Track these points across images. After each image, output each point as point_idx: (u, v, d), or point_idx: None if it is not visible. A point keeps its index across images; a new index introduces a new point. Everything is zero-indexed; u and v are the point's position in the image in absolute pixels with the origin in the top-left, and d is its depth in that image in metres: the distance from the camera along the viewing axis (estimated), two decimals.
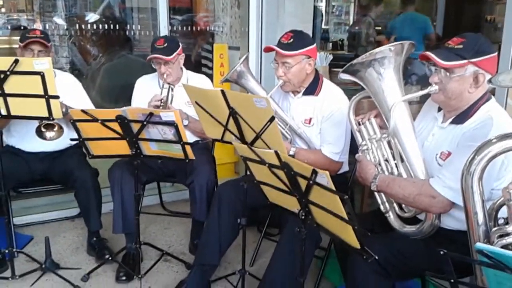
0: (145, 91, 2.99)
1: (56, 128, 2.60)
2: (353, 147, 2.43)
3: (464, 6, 6.49)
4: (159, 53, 2.80)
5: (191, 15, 5.48)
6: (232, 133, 2.22)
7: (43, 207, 3.44)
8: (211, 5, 4.96)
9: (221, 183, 2.54)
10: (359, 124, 1.98)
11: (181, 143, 2.31)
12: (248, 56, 2.43)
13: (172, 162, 2.61)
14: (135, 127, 2.31)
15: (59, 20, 6.50)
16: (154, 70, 2.98)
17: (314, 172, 1.42)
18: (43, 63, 2.23)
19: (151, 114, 2.23)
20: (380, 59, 1.79)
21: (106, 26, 4.98)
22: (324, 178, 1.39)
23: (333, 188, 1.39)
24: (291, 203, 1.70)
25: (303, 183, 1.53)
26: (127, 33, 5.00)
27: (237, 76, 2.38)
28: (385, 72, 1.79)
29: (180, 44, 2.96)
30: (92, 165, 2.87)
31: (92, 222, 2.77)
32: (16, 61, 2.20)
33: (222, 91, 2.07)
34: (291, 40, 2.31)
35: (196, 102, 2.24)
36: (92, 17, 5.79)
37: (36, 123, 2.62)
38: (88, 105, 2.91)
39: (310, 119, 2.42)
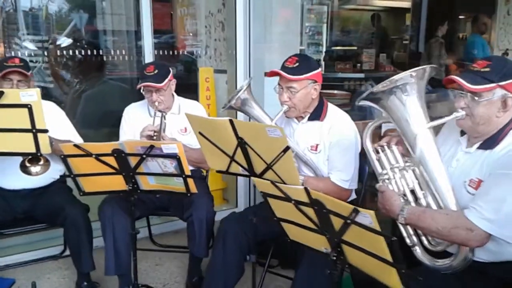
0: (135, 120, 2.83)
1: (42, 162, 2.39)
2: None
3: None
4: (150, 81, 2.65)
5: (170, 37, 5.34)
6: (240, 164, 2.09)
7: (23, 246, 3.17)
8: (192, 27, 4.85)
9: (225, 218, 2.38)
10: (378, 152, 1.88)
11: (183, 176, 2.15)
12: (250, 82, 2.31)
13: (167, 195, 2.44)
14: (133, 161, 2.15)
15: (29, 45, 6.22)
16: (139, 95, 2.82)
17: (355, 211, 1.29)
18: (30, 95, 2.05)
19: (151, 146, 2.07)
20: (401, 85, 1.70)
21: (81, 51, 4.79)
22: (367, 217, 1.27)
23: (378, 228, 1.27)
24: (318, 242, 1.57)
25: (337, 222, 1.41)
26: (103, 57, 4.79)
27: (241, 104, 2.25)
28: (408, 99, 1.70)
29: (171, 70, 2.81)
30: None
31: (84, 263, 2.54)
32: (1, 93, 2.01)
33: (231, 121, 1.94)
34: (296, 64, 2.21)
35: (200, 133, 2.09)
36: (64, 41, 5.56)
37: (18, 158, 2.41)
38: (74, 135, 2.72)
39: (317, 145, 2.31)
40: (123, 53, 4.86)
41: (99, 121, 3.97)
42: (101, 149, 2.12)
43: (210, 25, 4.39)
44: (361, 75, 6.67)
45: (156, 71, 2.68)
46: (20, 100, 2.04)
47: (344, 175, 2.26)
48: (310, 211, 1.48)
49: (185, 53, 4.88)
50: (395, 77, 1.72)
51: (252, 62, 3.82)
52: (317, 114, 2.32)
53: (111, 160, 2.14)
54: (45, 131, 2.13)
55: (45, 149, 2.17)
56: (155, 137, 2.59)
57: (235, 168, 2.13)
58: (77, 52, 4.77)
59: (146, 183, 2.26)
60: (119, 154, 2.12)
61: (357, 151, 2.28)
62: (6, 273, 2.94)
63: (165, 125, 2.71)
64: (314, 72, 2.25)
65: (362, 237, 1.35)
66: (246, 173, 2.10)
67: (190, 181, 2.18)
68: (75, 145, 2.09)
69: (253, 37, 3.78)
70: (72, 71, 4.96)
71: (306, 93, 2.25)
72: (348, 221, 1.34)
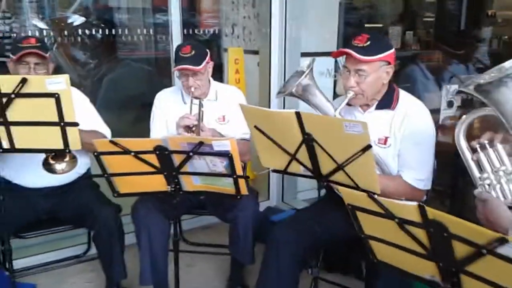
0: (168, 108, 2.52)
1: (67, 158, 2.08)
2: None
3: None
4: (187, 63, 2.33)
5: (191, 15, 4.98)
6: (302, 164, 1.78)
7: (43, 246, 2.89)
8: (216, 5, 4.49)
9: (278, 224, 2.08)
10: (475, 151, 1.57)
11: (235, 176, 1.86)
12: (312, 65, 1.98)
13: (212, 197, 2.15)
14: (177, 159, 1.85)
15: (40, 24, 5.86)
16: (164, 78, 2.50)
17: (500, 241, 0.99)
18: (58, 82, 1.74)
19: (201, 143, 1.77)
20: None
21: (97, 30, 4.45)
22: None
23: None
24: (422, 268, 1.28)
25: (462, 249, 1.11)
26: (121, 37, 4.44)
27: (302, 90, 1.93)
28: None
29: (208, 51, 2.49)
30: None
31: (116, 271, 2.26)
32: (24, 81, 1.71)
33: (298, 114, 1.62)
34: (368, 42, 1.88)
35: (256, 127, 1.78)
36: (77, 19, 5.19)
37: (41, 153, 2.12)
38: (101, 126, 2.42)
39: (386, 138, 1.99)
40: (140, 32, 4.52)
41: (122, 107, 3.66)
42: (141, 145, 1.82)
43: (237, 1, 4.04)
44: None
45: (193, 52, 2.35)
46: (46, 88, 1.73)
47: (419, 174, 1.95)
48: (420, 233, 1.19)
49: (208, 32, 4.52)
50: (505, 64, 1.40)
51: (287, 42, 3.48)
52: (387, 102, 2.00)
53: (152, 158, 1.85)
54: (75, 124, 1.83)
55: (75, 145, 1.87)
56: (194, 128, 2.29)
57: (295, 168, 1.82)
58: (93, 31, 4.41)
59: (190, 184, 1.96)
60: (161, 152, 1.82)
61: (433, 145, 1.97)
62: (26, 277, 2.68)
63: (203, 113, 2.41)
64: (388, 52, 1.92)
65: (498, 269, 1.06)
66: (309, 173, 1.80)
67: (242, 182, 1.89)
68: (112, 141, 1.79)
69: (289, 13, 3.44)
70: (87, 52, 4.63)
71: (377, 77, 1.92)
72: (484, 251, 1.04)
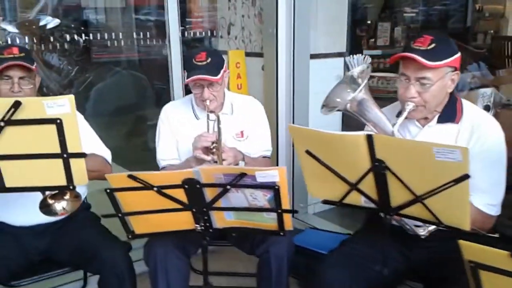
0: (177, 125, 2.17)
1: (68, 196, 1.70)
2: None
3: None
4: (203, 72, 1.97)
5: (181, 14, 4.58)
6: (365, 195, 1.47)
7: None
8: (209, 3, 4.12)
9: (325, 263, 1.75)
10: None
11: (279, 211, 1.53)
12: (368, 73, 1.65)
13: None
14: (210, 193, 1.51)
15: (9, 27, 5.34)
16: (161, 88, 2.15)
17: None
18: (60, 105, 1.37)
19: (242, 175, 1.43)
20: None
21: (76, 33, 4.01)
22: None
23: None
24: None
25: None
26: (104, 40, 4.00)
27: (357, 106, 1.61)
28: None
29: (224, 58, 2.15)
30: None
31: None
32: (17, 105, 1.33)
33: (369, 137, 1.31)
34: (432, 45, 1.57)
35: (308, 152, 1.46)
36: (50, 21, 4.71)
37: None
38: (100, 148, 2.05)
39: None
40: (125, 34, 4.08)
41: (113, 120, 3.25)
42: (167, 179, 1.48)
43: None
44: (378, 52, 6.08)
45: (208, 59, 2.01)
46: (45, 112, 1.36)
47: (492, 198, 1.66)
48: None
49: (200, 33, 4.14)
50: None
51: (296, 43, 3.16)
52: (451, 114, 1.70)
53: (179, 193, 1.50)
54: (82, 155, 1.46)
55: (81, 179, 1.51)
56: (213, 149, 1.95)
57: (354, 199, 1.51)
58: (71, 34, 3.97)
59: (222, 220, 1.62)
60: (192, 186, 1.48)
61: (506, 163, 1.69)
62: None
63: (220, 130, 2.06)
64: (455, 56, 1.62)
65: None
66: (372, 205, 1.49)
67: (287, 217, 1.56)
68: (131, 176, 1.43)
69: (298, 11, 3.11)
70: (65, 58, 4.17)
71: (442, 86, 1.62)
72: None
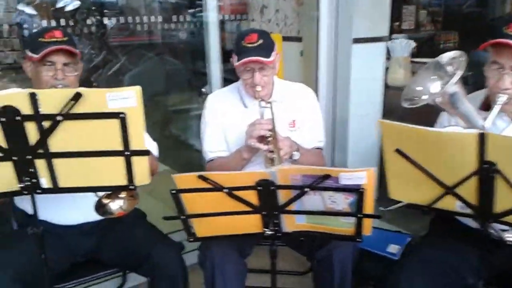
0: (225, 114, 2.02)
1: (124, 194, 1.55)
2: None
3: None
4: (254, 54, 1.82)
5: None
6: (462, 200, 1.31)
7: None
8: None
9: (402, 268, 1.60)
10: None
11: (359, 215, 1.38)
12: (463, 63, 1.47)
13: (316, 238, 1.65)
14: (283, 195, 1.36)
15: (27, 9, 5.14)
16: (198, 76, 2.00)
17: None
18: (125, 97, 1.21)
19: (326, 176, 1.28)
20: None
21: (93, 15, 3.79)
22: None
23: None
24: None
25: None
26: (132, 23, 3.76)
27: (449, 100, 1.43)
28: None
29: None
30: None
31: None
32: (77, 97, 1.17)
33: (482, 136, 1.14)
34: None
35: (398, 150, 1.30)
36: (70, 3, 4.48)
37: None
38: (148, 141, 1.89)
39: None
40: (155, 18, 3.84)
41: (149, 109, 3.07)
42: (239, 180, 1.33)
43: None
44: (403, 36, 5.84)
45: (260, 41, 1.85)
46: (107, 106, 1.20)
47: None
48: None
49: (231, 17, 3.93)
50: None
51: (340, 26, 2.98)
52: None
53: (250, 195, 1.35)
54: (146, 152, 1.31)
55: (142, 178, 1.35)
56: (269, 138, 1.80)
57: (447, 203, 1.35)
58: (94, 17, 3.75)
59: (292, 223, 1.48)
60: (265, 187, 1.32)
61: None
62: None
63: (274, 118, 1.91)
64: None
65: None
66: (469, 211, 1.33)
67: (368, 223, 1.41)
68: (201, 177, 1.28)
69: None
70: (90, 41, 3.97)
71: None
72: None
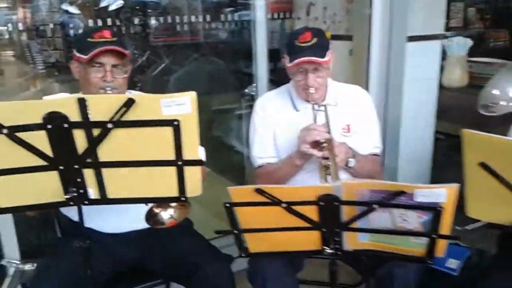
0: (275, 118, 1.91)
1: (175, 203, 1.46)
2: None
3: None
4: (309, 54, 1.71)
5: None
6: None
7: None
8: None
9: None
10: None
11: (434, 236, 1.23)
12: None
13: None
14: (347, 211, 1.23)
15: (71, 8, 5.16)
16: (243, 78, 1.92)
17: None
18: (180, 103, 1.11)
19: (400, 192, 1.14)
20: None
21: (137, 15, 3.72)
22: None
23: None
24: None
25: None
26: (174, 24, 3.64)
27: None
28: None
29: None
30: None
31: None
32: (129, 103, 1.08)
33: None
34: None
35: (483, 164, 1.14)
36: (113, 2, 4.44)
37: None
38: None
39: None
40: (197, 18, 3.72)
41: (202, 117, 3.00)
42: (299, 193, 1.21)
43: None
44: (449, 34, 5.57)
45: (314, 39, 1.74)
46: (161, 112, 1.11)
47: None
48: None
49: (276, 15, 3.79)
50: None
51: (394, 24, 2.80)
52: None
53: (310, 210, 1.23)
54: (199, 162, 1.21)
55: (194, 189, 1.26)
56: (324, 143, 1.67)
57: None
58: (143, 18, 3.67)
59: (353, 241, 1.34)
60: (328, 203, 1.20)
61: None
62: None
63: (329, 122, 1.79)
64: None
65: None
66: None
67: (442, 244, 1.26)
68: (259, 190, 1.17)
69: None
70: (134, 42, 3.90)
71: None
72: None
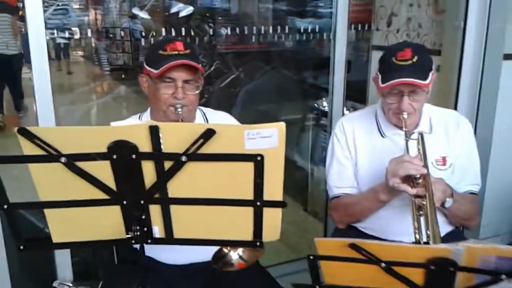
0: (358, 144, 1.68)
1: None
2: None
3: None
4: (408, 75, 1.47)
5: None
6: None
7: None
8: None
9: None
10: None
11: None
12: None
13: None
14: (464, 279, 0.99)
15: (141, 13, 5.15)
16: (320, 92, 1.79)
17: None
18: (265, 136, 0.92)
19: None
20: None
21: (207, 22, 3.59)
22: None
23: None
24: None
25: None
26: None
27: None
28: None
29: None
30: None
31: None
32: (209, 134, 0.90)
33: None
34: None
35: None
36: (184, 9, 4.33)
37: None
38: None
39: None
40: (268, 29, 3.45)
41: None
42: (404, 252, 0.98)
43: None
44: None
45: (415, 58, 1.49)
46: (243, 145, 0.92)
47: None
48: None
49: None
50: None
51: (489, 39, 2.50)
52: None
53: (415, 273, 1.00)
54: (281, 204, 1.01)
55: (273, 234, 1.07)
56: (420, 179, 1.42)
57: None
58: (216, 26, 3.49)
59: None
60: (442, 268, 0.96)
61: None
62: None
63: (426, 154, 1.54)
64: None
65: None
66: None
67: None
68: (353, 246, 0.96)
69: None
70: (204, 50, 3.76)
71: None
72: None
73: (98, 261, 1.88)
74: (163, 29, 3.17)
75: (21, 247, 1.02)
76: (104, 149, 0.89)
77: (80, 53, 7.20)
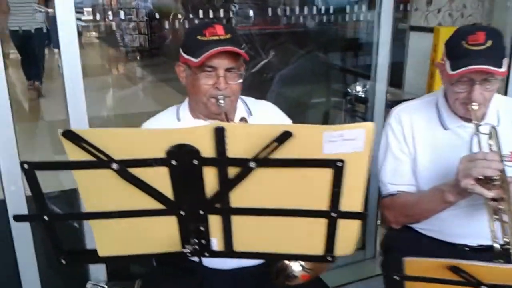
0: (417, 137, 1.53)
1: None
2: None
3: None
4: (482, 62, 1.31)
5: None
6: None
7: None
8: None
9: None
10: None
11: None
12: None
13: None
14: None
15: None
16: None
17: None
18: (349, 139, 0.78)
19: None
20: None
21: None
22: None
23: None
24: None
25: None
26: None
27: None
28: None
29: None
30: None
31: None
32: (285, 137, 0.76)
33: None
34: None
35: None
36: None
37: None
38: None
39: None
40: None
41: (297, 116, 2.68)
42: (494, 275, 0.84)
43: None
44: None
45: (489, 42, 1.33)
46: (321, 149, 0.78)
47: None
48: None
49: None
50: None
51: None
52: None
53: None
54: (360, 216, 0.87)
55: (347, 248, 0.93)
56: (497, 182, 1.27)
57: None
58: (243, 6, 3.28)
59: None
60: None
61: None
62: None
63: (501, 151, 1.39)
64: None
65: None
66: None
67: None
68: (453, 268, 0.82)
69: None
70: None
71: None
72: None
73: None
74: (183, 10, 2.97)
75: (63, 261, 0.90)
76: (162, 154, 0.76)
77: (95, 34, 7.09)
